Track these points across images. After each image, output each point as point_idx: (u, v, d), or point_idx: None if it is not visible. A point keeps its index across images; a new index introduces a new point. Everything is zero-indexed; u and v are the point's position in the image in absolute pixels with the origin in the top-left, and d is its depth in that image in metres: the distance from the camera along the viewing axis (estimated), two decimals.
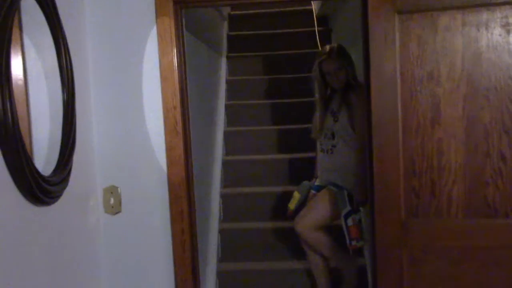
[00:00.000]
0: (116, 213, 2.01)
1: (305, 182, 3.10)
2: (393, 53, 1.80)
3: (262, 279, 3.35)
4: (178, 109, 1.99)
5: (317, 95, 2.94)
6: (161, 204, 2.02)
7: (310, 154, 3.52)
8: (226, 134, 4.26)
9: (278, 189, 3.84)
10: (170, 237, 2.03)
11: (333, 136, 2.84)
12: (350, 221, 2.72)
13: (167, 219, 2.01)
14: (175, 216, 2.01)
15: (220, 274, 3.37)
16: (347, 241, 2.75)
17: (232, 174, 4.03)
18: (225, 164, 4.03)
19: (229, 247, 3.58)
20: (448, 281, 1.84)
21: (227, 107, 4.47)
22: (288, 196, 3.65)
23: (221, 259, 3.53)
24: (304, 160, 3.79)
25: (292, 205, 3.06)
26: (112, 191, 2.00)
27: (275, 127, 4.30)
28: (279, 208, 3.63)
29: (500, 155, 1.77)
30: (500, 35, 1.75)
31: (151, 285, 2.05)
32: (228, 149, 4.24)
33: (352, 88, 2.79)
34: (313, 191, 3.01)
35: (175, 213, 2.01)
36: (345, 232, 2.74)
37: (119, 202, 2.01)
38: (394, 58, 1.80)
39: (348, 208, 2.73)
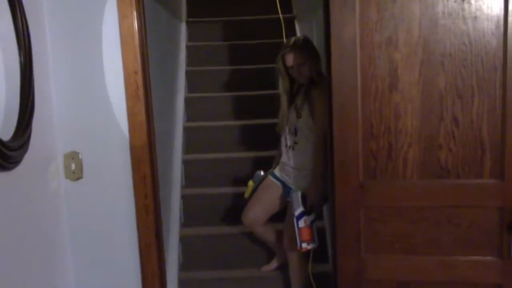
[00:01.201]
0: (78, 179, 2.00)
1: (259, 172, 3.08)
2: (353, 18, 1.83)
3: (224, 242, 3.41)
4: (140, 74, 1.98)
5: (280, 89, 2.84)
6: (124, 169, 2.02)
7: (272, 121, 3.55)
8: (187, 101, 4.24)
9: (240, 155, 3.88)
10: (133, 202, 2.04)
11: (295, 132, 2.77)
12: (301, 223, 2.62)
13: (130, 184, 2.02)
14: (138, 180, 2.01)
15: (183, 239, 3.41)
16: (298, 243, 2.66)
17: (194, 140, 4.04)
18: (186, 130, 4.03)
19: (192, 213, 3.62)
20: (404, 239, 1.92)
21: (187, 73, 4.43)
22: (249, 162, 3.71)
23: (183, 225, 3.57)
24: (265, 127, 3.82)
25: (247, 193, 3.09)
26: (73, 156, 1.98)
27: (237, 93, 4.31)
28: (241, 173, 3.68)
29: (453, 119, 1.84)
30: (455, 1, 1.80)
31: (115, 250, 2.07)
32: (189, 115, 4.23)
33: (314, 84, 2.69)
34: (271, 177, 2.98)
35: (138, 178, 2.01)
36: (296, 234, 2.64)
37: (80, 168, 2.00)
38: (354, 23, 1.83)
39: (301, 209, 2.64)
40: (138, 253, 2.06)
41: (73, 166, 1.99)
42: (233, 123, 4.14)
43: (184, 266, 3.38)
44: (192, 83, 4.44)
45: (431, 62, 1.83)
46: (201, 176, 3.83)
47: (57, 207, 1.97)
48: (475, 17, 1.79)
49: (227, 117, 4.22)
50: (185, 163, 3.84)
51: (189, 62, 4.58)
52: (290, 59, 2.69)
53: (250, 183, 3.09)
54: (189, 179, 3.83)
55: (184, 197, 3.64)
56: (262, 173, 3.08)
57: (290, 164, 2.82)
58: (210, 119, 4.21)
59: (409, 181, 1.90)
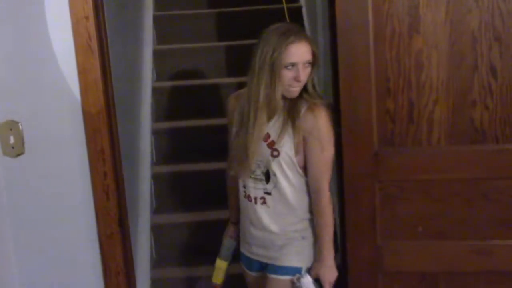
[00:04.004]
0: (18, 155, 2.00)
1: (228, 241, 2.47)
2: None
3: (204, 232, 3.43)
4: (92, 20, 1.96)
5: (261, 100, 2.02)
6: (76, 142, 2.02)
7: None
8: (156, 54, 4.22)
9: (220, 121, 3.87)
10: (89, 183, 2.05)
11: (267, 176, 2.09)
12: None
13: (84, 160, 2.02)
14: (95, 155, 2.02)
15: (155, 229, 3.45)
16: None
17: (166, 105, 4.03)
18: (155, 92, 4.02)
19: (165, 196, 3.64)
20: (429, 221, 1.95)
21: (156, 19, 4.40)
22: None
23: (155, 211, 3.60)
24: None
25: (218, 278, 2.47)
26: (11, 127, 1.98)
27: (221, 43, 4.29)
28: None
29: (490, 68, 1.85)
30: None
31: (68, 243, 2.09)
32: (159, 73, 4.21)
33: (304, 101, 2.00)
34: (247, 270, 2.34)
35: (94, 152, 2.02)
36: None
37: (21, 141, 1.99)
38: None
39: None
40: (98, 247, 2.07)
41: (11, 139, 1.99)
42: (216, 81, 4.12)
43: (157, 262, 3.41)
44: (163, 32, 4.41)
45: None
46: (176, 150, 3.84)
47: None
48: None
49: (208, 74, 4.20)
50: (156, 133, 3.84)
51: (158, 5, 4.54)
52: (300, 52, 1.94)
53: (220, 263, 2.48)
54: (161, 154, 3.84)
55: (155, 177, 3.65)
56: (231, 241, 2.48)
57: (261, 227, 2.15)
58: (186, 77, 4.19)
59: (436, 148, 1.92)
